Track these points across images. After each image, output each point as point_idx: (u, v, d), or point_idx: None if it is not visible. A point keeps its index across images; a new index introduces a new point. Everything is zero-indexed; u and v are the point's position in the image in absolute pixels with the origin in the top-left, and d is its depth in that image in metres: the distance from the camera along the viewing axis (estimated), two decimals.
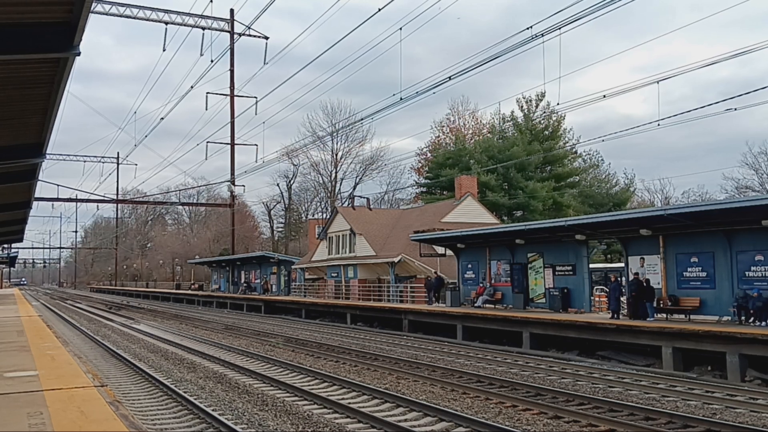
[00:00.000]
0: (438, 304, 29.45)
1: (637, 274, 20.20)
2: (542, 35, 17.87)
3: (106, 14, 43.60)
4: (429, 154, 68.76)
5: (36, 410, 6.59)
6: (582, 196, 57.95)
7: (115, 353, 19.95)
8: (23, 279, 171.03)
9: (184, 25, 47.25)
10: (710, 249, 18.72)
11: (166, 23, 45.83)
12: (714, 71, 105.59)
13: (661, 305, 19.56)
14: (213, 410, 11.25)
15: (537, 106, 59.73)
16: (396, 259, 35.47)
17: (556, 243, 24.10)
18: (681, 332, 16.41)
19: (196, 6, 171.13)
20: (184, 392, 12.88)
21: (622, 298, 20.82)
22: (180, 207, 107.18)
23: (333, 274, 43.04)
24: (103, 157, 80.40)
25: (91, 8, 7.44)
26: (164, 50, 58.85)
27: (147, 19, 45.19)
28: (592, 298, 23.42)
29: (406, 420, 10.81)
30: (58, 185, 44.29)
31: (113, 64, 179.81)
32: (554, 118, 58.13)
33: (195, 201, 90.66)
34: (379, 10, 20.52)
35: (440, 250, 33.44)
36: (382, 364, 16.93)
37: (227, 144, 56.02)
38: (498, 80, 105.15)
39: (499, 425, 10.08)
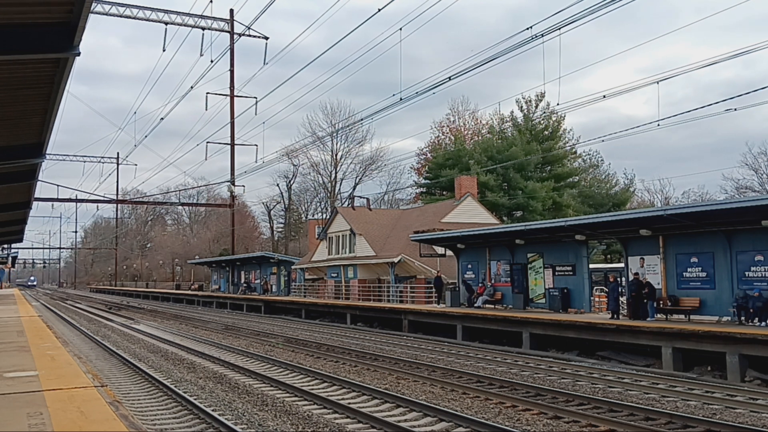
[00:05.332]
0: (436, 304, 29.45)
1: (636, 274, 20.20)
2: (542, 35, 17.88)
3: (106, 14, 43.61)
4: (429, 155, 68.75)
5: (36, 410, 6.59)
6: (582, 197, 57.90)
7: (115, 353, 19.95)
8: (32, 277, 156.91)
9: (184, 26, 47.29)
10: (710, 249, 18.72)
11: (166, 23, 45.84)
12: (717, 73, 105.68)
13: (661, 305, 19.57)
14: (213, 410, 11.26)
15: (537, 107, 59.75)
16: (396, 260, 35.46)
17: (555, 243, 24.11)
18: (681, 332, 16.41)
19: (196, 6, 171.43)
20: (184, 392, 12.88)
21: (621, 299, 20.84)
22: (180, 207, 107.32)
23: (333, 275, 43.03)
24: (102, 157, 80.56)
25: (91, 8, 7.44)
26: (164, 50, 59.06)
27: (147, 20, 45.20)
28: (591, 298, 23.43)
29: (406, 420, 10.81)
30: (58, 185, 44.05)
31: (120, 65, 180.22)
32: (554, 119, 58.12)
33: (195, 201, 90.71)
34: (379, 10, 20.54)
35: (440, 250, 33.46)
36: (382, 365, 16.93)
37: (227, 144, 56.07)
38: (500, 81, 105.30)
39: (499, 425, 10.08)
